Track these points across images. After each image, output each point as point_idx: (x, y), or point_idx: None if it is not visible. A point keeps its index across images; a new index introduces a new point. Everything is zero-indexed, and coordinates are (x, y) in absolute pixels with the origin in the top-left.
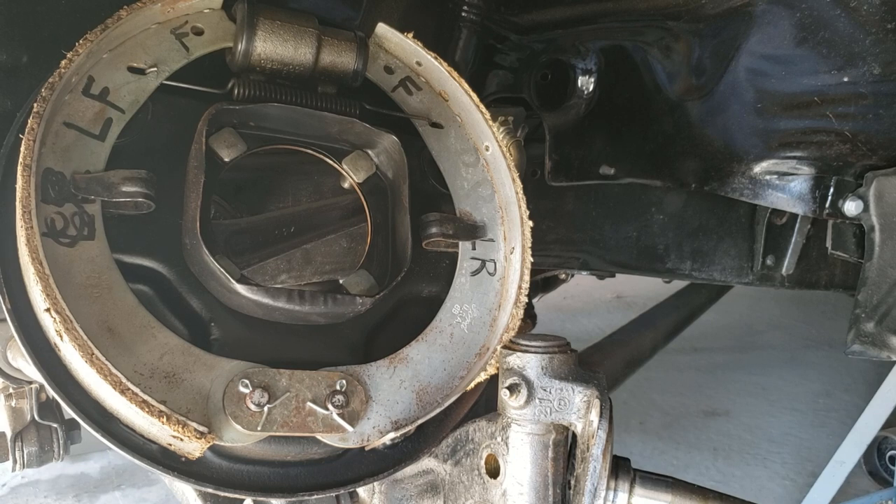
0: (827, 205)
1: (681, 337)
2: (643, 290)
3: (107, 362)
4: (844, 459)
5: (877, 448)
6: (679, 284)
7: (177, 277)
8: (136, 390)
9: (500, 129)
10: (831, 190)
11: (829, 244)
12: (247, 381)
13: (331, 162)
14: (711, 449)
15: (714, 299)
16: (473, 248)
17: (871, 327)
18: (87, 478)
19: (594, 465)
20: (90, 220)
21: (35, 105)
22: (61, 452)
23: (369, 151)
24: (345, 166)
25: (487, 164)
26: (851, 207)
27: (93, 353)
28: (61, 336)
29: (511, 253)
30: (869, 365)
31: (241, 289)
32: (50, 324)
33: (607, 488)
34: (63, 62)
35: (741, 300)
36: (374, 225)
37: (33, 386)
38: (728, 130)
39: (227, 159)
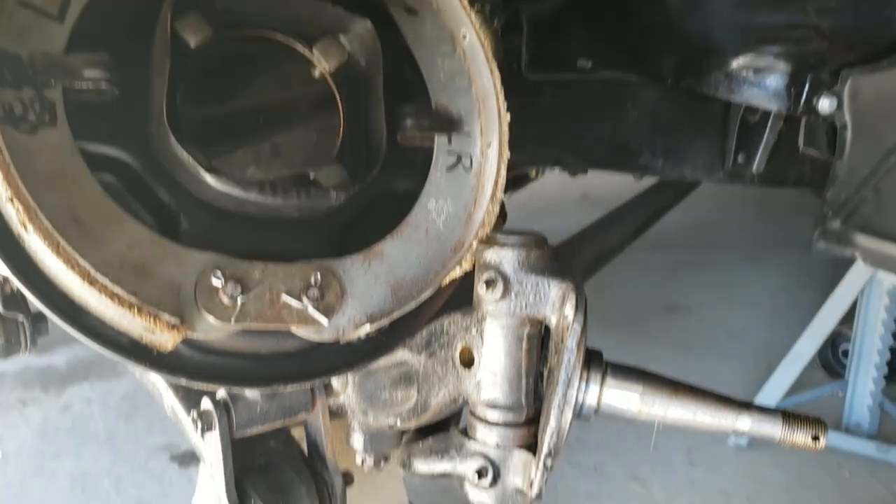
0: (801, 102)
1: (643, 235)
2: (609, 188)
3: (74, 253)
4: (801, 353)
5: (831, 342)
6: (646, 183)
7: (143, 167)
8: (106, 281)
9: (477, 17)
10: (806, 87)
11: (801, 142)
12: (219, 273)
13: (300, 48)
14: (671, 343)
15: (681, 197)
16: (449, 143)
17: (837, 225)
18: (54, 370)
19: (568, 356)
20: (51, 106)
21: None
22: (29, 344)
23: (341, 37)
24: (315, 53)
25: (465, 53)
26: (825, 105)
27: (59, 244)
28: (25, 226)
29: (488, 147)
30: (826, 263)
31: (210, 179)
32: (13, 214)
33: (580, 379)
34: None
35: (705, 199)
36: (346, 117)
37: None
38: (707, 24)
39: (193, 45)
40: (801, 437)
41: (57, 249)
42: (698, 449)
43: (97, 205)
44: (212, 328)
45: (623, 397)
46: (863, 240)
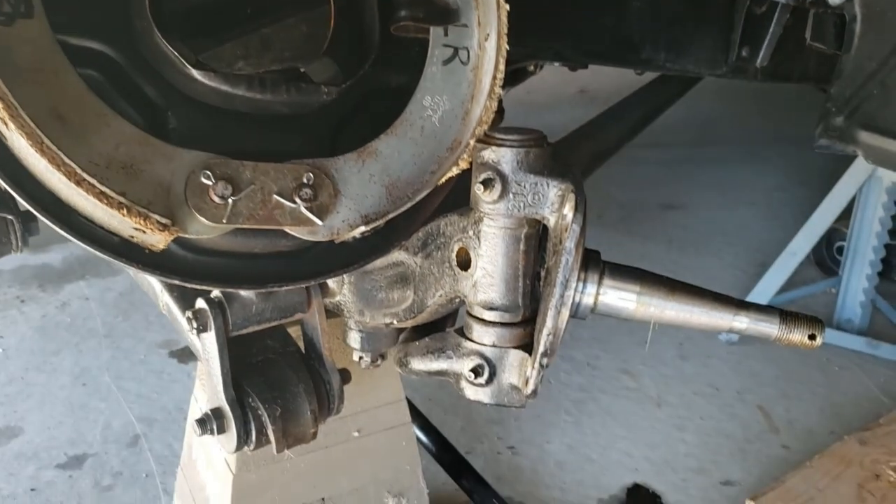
0: None
1: (641, 132)
2: (607, 84)
3: (59, 152)
4: (796, 251)
5: (826, 239)
6: (645, 79)
7: (128, 62)
8: (93, 181)
9: None
10: None
11: (808, 35)
12: (209, 173)
13: None
14: (666, 240)
15: (682, 93)
16: (445, 35)
17: (841, 121)
18: (50, 268)
19: (566, 257)
20: None
21: None
22: (20, 244)
23: None
24: None
25: None
26: None
27: (43, 143)
28: (6, 124)
29: (485, 40)
30: (824, 160)
31: (197, 74)
32: None
33: (577, 280)
34: None
35: (704, 96)
36: (337, 7)
37: None
38: None
39: None
40: (798, 335)
41: (41, 148)
42: (690, 344)
43: (81, 101)
44: (203, 228)
45: (620, 297)
46: (865, 136)
